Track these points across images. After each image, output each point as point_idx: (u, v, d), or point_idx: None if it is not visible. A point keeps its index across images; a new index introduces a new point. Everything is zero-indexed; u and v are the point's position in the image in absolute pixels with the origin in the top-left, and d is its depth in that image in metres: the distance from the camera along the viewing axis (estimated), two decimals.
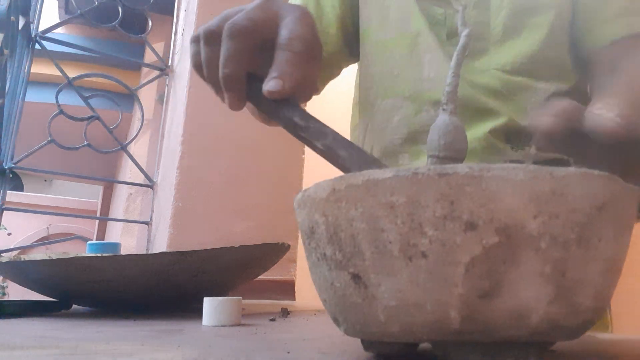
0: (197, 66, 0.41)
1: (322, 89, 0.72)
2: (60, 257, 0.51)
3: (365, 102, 0.68)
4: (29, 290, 0.62)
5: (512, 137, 0.58)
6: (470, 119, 0.58)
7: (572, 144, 0.29)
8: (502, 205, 0.21)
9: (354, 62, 0.73)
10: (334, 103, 1.04)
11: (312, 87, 0.39)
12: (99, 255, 0.51)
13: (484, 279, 0.21)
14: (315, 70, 0.39)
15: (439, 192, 0.21)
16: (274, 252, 0.63)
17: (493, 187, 0.21)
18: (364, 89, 0.68)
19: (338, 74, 0.73)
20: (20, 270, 0.57)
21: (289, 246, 0.65)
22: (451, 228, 0.21)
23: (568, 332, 0.23)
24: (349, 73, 0.75)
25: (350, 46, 0.70)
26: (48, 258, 0.52)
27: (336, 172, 0.29)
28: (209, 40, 0.38)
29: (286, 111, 0.36)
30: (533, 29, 0.58)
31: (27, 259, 0.55)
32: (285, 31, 0.37)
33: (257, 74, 0.38)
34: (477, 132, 0.57)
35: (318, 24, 0.66)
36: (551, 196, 0.21)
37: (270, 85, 0.35)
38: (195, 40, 0.40)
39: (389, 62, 0.64)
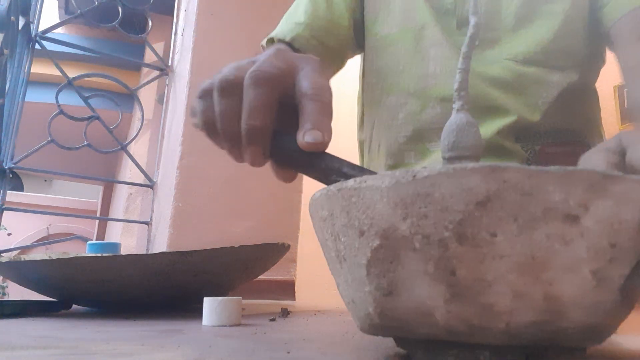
0: (208, 123, 0.36)
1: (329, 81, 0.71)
2: (60, 257, 0.51)
3: (370, 98, 0.67)
4: (29, 290, 0.62)
5: (522, 135, 0.57)
6: (478, 117, 0.56)
7: None
8: (376, 211, 0.23)
9: (359, 54, 0.72)
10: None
11: None
12: (99, 255, 0.51)
13: (381, 278, 0.23)
14: None
15: (340, 204, 0.24)
16: (274, 252, 0.63)
17: (368, 196, 0.23)
18: (369, 85, 0.67)
19: (343, 66, 0.71)
20: (20, 270, 0.57)
21: (289, 246, 0.65)
22: (351, 234, 0.24)
23: (496, 334, 0.22)
24: (352, 70, 0.74)
25: (358, 37, 0.69)
26: (48, 258, 0.52)
27: None
28: (226, 91, 0.34)
29: (325, 162, 0.32)
30: (548, 16, 0.56)
31: (27, 259, 0.55)
32: (307, 82, 0.35)
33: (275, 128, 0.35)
34: (484, 132, 0.55)
35: (329, 14, 0.65)
36: (416, 197, 0.21)
37: (309, 137, 0.32)
38: (206, 93, 0.36)
39: (393, 57, 0.63)
